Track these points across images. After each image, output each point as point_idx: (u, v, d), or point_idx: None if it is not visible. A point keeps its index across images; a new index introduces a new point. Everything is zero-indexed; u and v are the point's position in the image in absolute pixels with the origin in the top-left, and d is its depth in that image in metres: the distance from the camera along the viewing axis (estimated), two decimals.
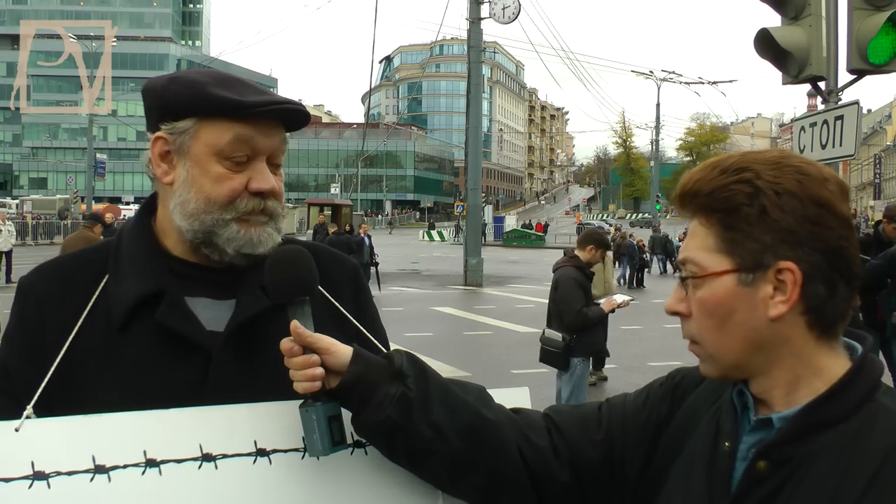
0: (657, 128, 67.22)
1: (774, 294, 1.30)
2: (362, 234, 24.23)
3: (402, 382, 1.56)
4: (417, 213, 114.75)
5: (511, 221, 76.32)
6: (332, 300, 1.79)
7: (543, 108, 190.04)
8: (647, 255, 32.55)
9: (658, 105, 65.20)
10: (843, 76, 6.91)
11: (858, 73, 6.74)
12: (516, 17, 28.43)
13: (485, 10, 28.18)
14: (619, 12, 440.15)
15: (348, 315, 1.81)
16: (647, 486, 1.55)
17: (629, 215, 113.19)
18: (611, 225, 59.83)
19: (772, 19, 6.94)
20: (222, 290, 1.72)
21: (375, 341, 1.82)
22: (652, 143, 71.13)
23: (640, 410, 1.62)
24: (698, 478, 1.43)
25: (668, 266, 34.06)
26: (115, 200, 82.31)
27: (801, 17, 6.68)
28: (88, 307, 1.66)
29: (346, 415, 1.57)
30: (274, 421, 1.59)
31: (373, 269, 23.18)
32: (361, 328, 1.82)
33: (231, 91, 1.66)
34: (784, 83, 7.17)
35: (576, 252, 8.49)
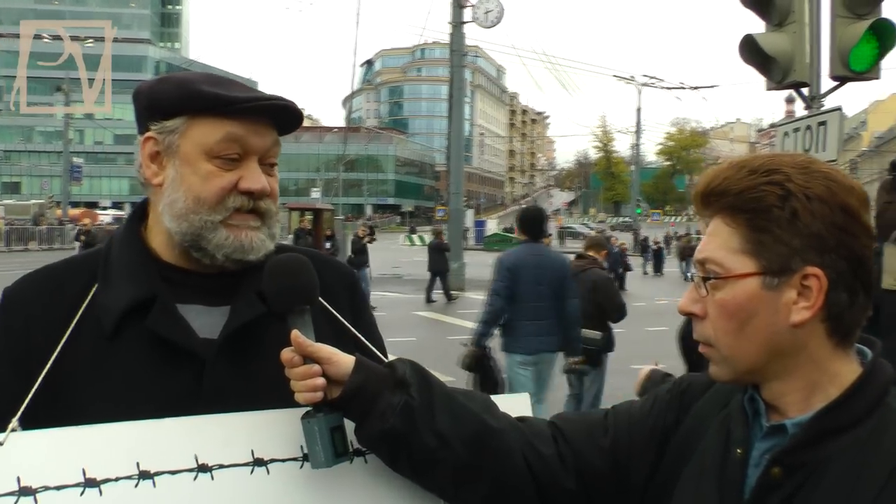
0: (638, 132, 67.45)
1: (798, 300, 1.29)
2: (444, 241, 24.45)
3: (405, 391, 1.54)
4: (398, 217, 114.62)
5: (492, 225, 76.27)
6: (329, 307, 1.76)
7: (524, 112, 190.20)
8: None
9: (639, 110, 65.35)
10: (826, 82, 6.97)
11: (840, 80, 6.79)
12: (499, 22, 28.48)
13: (467, 14, 28.20)
14: (602, 17, 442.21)
15: (346, 323, 1.78)
16: (654, 494, 1.54)
17: (609, 219, 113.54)
18: (591, 229, 59.98)
19: (753, 26, 6.97)
20: (215, 297, 1.68)
21: (374, 348, 1.79)
22: (632, 147, 71.39)
23: (646, 417, 1.60)
24: (709, 485, 1.41)
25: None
26: (92, 205, 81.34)
27: (786, 24, 6.72)
28: (77, 316, 1.62)
29: (349, 425, 1.55)
30: (271, 430, 1.56)
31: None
32: (360, 336, 1.79)
33: (220, 88, 1.63)
34: (768, 89, 7.20)
35: (590, 254, 8.91)
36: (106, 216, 59.64)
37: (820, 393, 1.32)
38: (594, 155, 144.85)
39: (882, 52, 6.39)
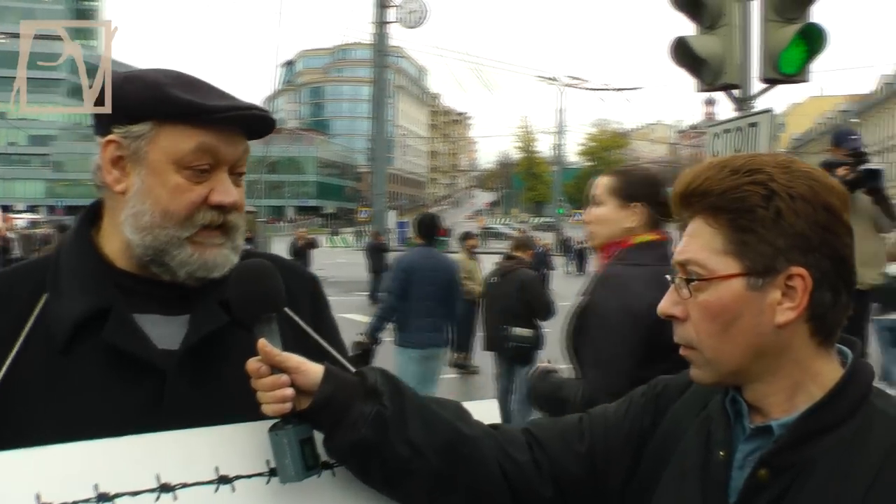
0: (560, 133, 68.27)
1: (782, 300, 1.28)
2: (382, 241, 24.17)
3: (376, 400, 1.49)
4: (320, 219, 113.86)
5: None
6: (293, 315, 1.69)
7: (446, 113, 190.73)
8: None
9: (560, 110, 66.28)
10: (756, 84, 7.10)
11: (770, 83, 6.93)
12: (423, 22, 28.46)
13: (391, 14, 28.12)
14: (528, 18, 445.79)
15: (311, 332, 1.71)
16: (632, 498, 1.53)
17: (531, 219, 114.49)
18: (514, 229, 60.52)
19: (678, 29, 7.05)
20: (173, 306, 1.59)
21: (339, 356, 1.72)
22: (554, 148, 72.20)
23: (621, 422, 1.59)
24: (692, 488, 1.40)
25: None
26: (5, 209, 78.82)
27: (717, 27, 6.82)
28: (26, 329, 1.50)
29: (318, 437, 1.49)
30: (236, 445, 1.49)
31: None
32: (324, 343, 1.72)
33: (193, 93, 1.52)
34: (699, 90, 7.31)
35: (517, 254, 9.32)
36: (20, 220, 57.93)
37: (803, 393, 1.32)
38: (516, 155, 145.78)
39: (811, 55, 6.53)
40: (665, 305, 1.39)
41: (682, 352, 1.40)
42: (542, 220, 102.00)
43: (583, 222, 3.48)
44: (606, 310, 3.05)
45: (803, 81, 6.74)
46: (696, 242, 1.34)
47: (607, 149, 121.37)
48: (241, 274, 1.50)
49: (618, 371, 2.93)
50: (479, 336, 9.18)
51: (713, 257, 1.31)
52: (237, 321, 1.52)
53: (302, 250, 21.30)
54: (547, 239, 40.28)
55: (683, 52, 6.88)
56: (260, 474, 1.49)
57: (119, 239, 1.58)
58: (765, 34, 6.68)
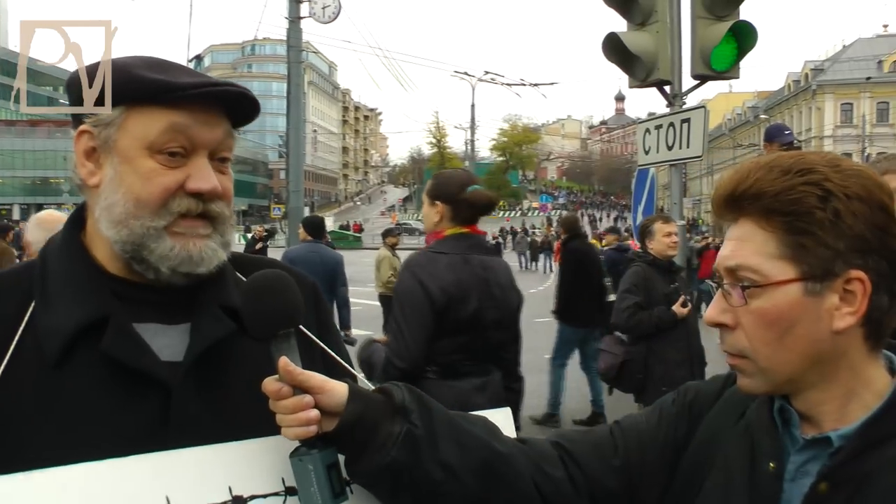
0: (472, 128, 68.43)
1: (840, 305, 1.23)
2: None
3: (405, 419, 1.39)
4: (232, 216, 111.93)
5: (328, 223, 75.68)
6: (302, 327, 1.57)
7: (357, 108, 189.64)
8: None
9: (473, 106, 66.37)
10: (687, 81, 7.22)
11: (702, 79, 7.08)
12: (337, 17, 28.14)
13: (304, 9, 27.72)
14: (444, 13, 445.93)
15: (326, 348, 1.62)
16: None
17: None
18: None
19: (593, 25, 7.16)
20: (173, 313, 1.48)
21: (348, 366, 1.63)
22: (466, 143, 72.43)
23: (655, 433, 1.53)
24: (739, 501, 1.34)
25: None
26: None
27: (648, 24, 6.92)
28: (14, 342, 1.38)
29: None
30: (250, 462, 1.40)
31: None
32: (340, 359, 1.63)
33: (162, 73, 1.42)
34: (631, 86, 7.41)
35: None
36: None
37: (856, 401, 1.27)
38: (428, 151, 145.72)
39: (741, 52, 6.67)
40: (712, 313, 1.32)
41: (730, 361, 1.33)
42: None
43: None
44: (405, 289, 3.73)
45: (734, 77, 6.89)
46: (747, 247, 1.27)
47: (519, 144, 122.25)
48: (257, 287, 1.40)
49: (412, 341, 3.65)
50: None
51: (767, 262, 1.25)
52: (251, 336, 1.41)
53: (263, 249, 21.06)
54: None
55: (615, 48, 6.96)
56: (276, 494, 1.40)
57: (102, 240, 1.47)
58: (695, 31, 6.79)
